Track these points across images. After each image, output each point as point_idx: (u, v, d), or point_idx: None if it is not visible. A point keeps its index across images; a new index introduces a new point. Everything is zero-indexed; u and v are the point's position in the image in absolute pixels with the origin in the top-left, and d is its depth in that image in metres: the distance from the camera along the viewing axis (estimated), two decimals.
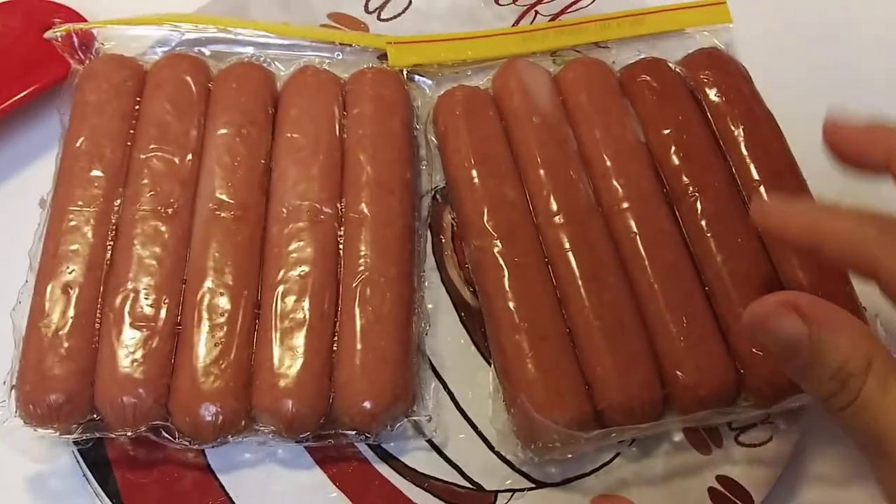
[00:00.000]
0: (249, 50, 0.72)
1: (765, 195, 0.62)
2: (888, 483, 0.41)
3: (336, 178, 0.63)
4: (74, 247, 0.58)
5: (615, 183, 0.63)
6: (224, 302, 0.57)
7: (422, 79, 0.72)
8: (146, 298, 0.56)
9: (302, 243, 0.59)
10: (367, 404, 0.54)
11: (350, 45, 0.73)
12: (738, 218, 0.61)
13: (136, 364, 0.54)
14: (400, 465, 0.59)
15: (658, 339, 0.58)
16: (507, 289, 0.59)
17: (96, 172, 0.61)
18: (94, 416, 0.55)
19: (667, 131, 0.65)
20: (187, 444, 0.55)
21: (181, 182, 0.61)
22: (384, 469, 0.59)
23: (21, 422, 0.54)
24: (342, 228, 0.61)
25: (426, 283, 0.64)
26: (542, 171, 0.63)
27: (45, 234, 0.59)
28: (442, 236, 0.67)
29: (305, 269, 0.58)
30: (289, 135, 0.64)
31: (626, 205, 0.62)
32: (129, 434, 0.55)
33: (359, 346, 0.56)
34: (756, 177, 0.63)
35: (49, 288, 0.56)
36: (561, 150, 0.64)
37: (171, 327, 0.56)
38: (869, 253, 0.44)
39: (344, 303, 0.58)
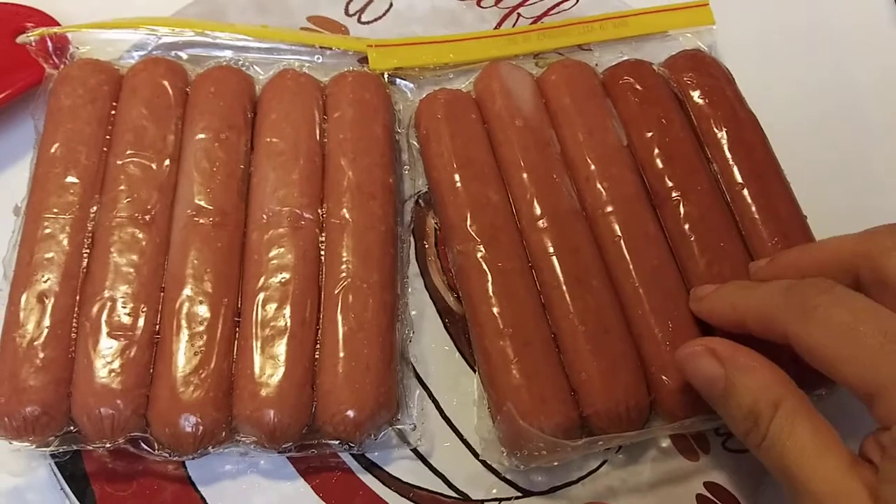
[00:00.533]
0: (228, 53, 0.71)
1: (748, 197, 0.62)
2: None
3: (317, 183, 0.62)
4: (50, 255, 0.57)
5: (599, 186, 0.62)
6: (203, 310, 0.56)
7: (403, 82, 0.72)
8: (123, 307, 0.55)
9: (282, 250, 0.58)
10: (350, 413, 0.54)
11: (330, 49, 0.72)
12: (722, 221, 0.61)
13: (113, 374, 0.53)
14: (384, 475, 0.58)
15: (643, 344, 0.57)
16: (491, 294, 0.58)
17: (71, 179, 0.60)
18: (72, 427, 0.54)
19: (650, 134, 0.65)
20: (167, 455, 0.54)
21: (159, 188, 0.60)
22: (368, 479, 0.58)
23: None
24: (323, 234, 0.60)
25: (409, 290, 0.63)
26: (525, 175, 0.63)
27: (20, 242, 0.58)
28: (425, 242, 0.66)
29: (286, 275, 0.57)
30: (268, 139, 0.63)
31: (609, 208, 0.61)
32: (108, 446, 0.54)
33: (341, 354, 0.55)
34: (739, 179, 0.63)
35: (24, 297, 0.55)
36: (544, 153, 0.64)
37: (150, 336, 0.56)
38: (779, 319, 0.48)
39: (326, 310, 0.57)
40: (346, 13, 0.77)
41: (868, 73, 0.78)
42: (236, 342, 0.56)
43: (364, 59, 0.72)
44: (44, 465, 0.57)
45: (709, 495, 0.58)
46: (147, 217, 0.59)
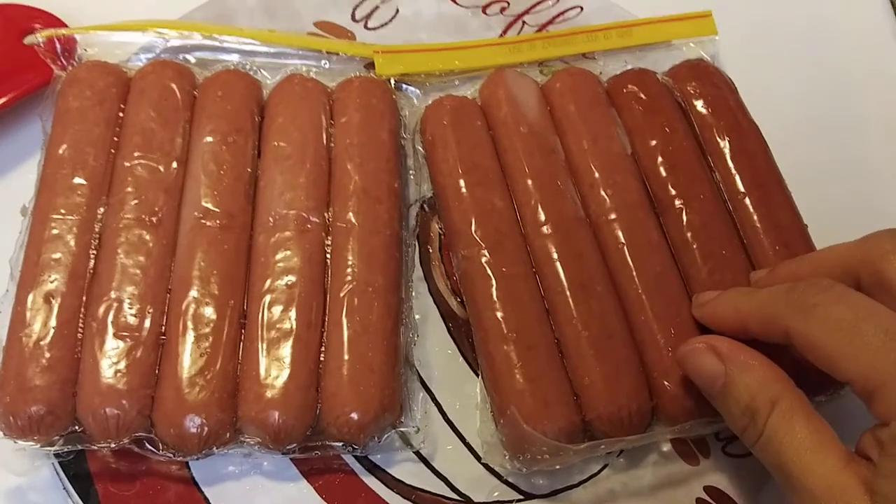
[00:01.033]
0: (235, 57, 0.71)
1: (750, 206, 0.63)
2: None
3: (323, 187, 0.62)
4: (57, 255, 0.57)
5: (603, 193, 0.63)
6: (209, 312, 0.56)
7: (409, 88, 0.72)
8: (130, 308, 0.56)
9: (289, 252, 0.58)
10: (354, 415, 0.54)
11: (337, 54, 0.73)
12: (724, 229, 0.62)
13: (119, 374, 0.54)
14: (387, 477, 0.58)
15: (646, 349, 0.58)
16: (496, 299, 0.58)
17: (79, 180, 0.60)
18: (76, 427, 0.54)
19: (653, 142, 0.65)
20: (171, 456, 0.54)
21: (166, 190, 0.60)
22: (371, 481, 0.58)
23: (0, 434, 0.53)
24: (329, 238, 0.60)
25: (414, 294, 0.64)
26: (529, 181, 0.63)
27: (27, 243, 0.58)
28: (429, 246, 0.66)
29: (292, 278, 0.57)
30: (275, 143, 0.63)
31: (613, 215, 0.62)
32: (112, 446, 0.54)
33: (346, 357, 0.56)
34: (741, 188, 0.64)
35: (30, 297, 0.56)
36: (548, 159, 0.64)
37: (156, 337, 0.56)
38: (780, 318, 0.48)
39: (331, 313, 0.58)
40: (353, 19, 0.77)
41: (870, 82, 0.79)
42: (242, 344, 0.56)
43: (370, 65, 0.72)
44: (47, 464, 0.57)
45: (709, 499, 0.58)
46: (154, 219, 0.59)
